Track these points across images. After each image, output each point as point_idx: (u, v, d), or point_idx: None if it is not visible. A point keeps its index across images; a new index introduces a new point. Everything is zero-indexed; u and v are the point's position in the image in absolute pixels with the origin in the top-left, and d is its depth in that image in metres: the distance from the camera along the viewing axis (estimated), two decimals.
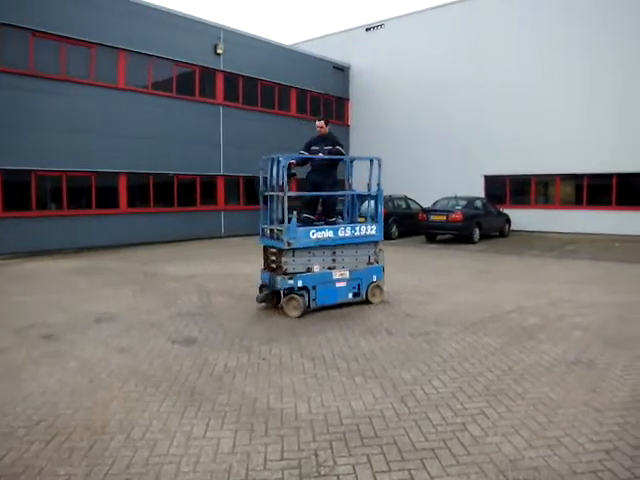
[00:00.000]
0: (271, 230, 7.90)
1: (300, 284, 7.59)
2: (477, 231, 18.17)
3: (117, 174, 17.47)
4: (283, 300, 7.69)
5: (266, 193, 8.22)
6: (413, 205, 20.68)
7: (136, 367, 5.34)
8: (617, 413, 4.17)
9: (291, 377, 5.01)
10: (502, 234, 20.37)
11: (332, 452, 3.56)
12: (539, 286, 9.87)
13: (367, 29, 26.74)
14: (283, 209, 7.61)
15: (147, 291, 9.62)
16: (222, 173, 20.94)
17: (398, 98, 25.11)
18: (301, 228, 7.68)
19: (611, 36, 19.56)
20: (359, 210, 9.01)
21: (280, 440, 3.74)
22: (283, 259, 7.56)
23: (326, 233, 7.87)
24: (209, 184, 20.69)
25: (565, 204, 21.78)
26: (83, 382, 4.93)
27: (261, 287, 8.17)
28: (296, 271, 7.62)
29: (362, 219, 8.79)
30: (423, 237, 19.00)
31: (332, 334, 6.54)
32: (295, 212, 7.74)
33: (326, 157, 8.44)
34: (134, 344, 6.17)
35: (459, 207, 18.31)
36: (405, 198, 20.37)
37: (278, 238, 7.65)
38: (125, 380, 4.97)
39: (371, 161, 8.44)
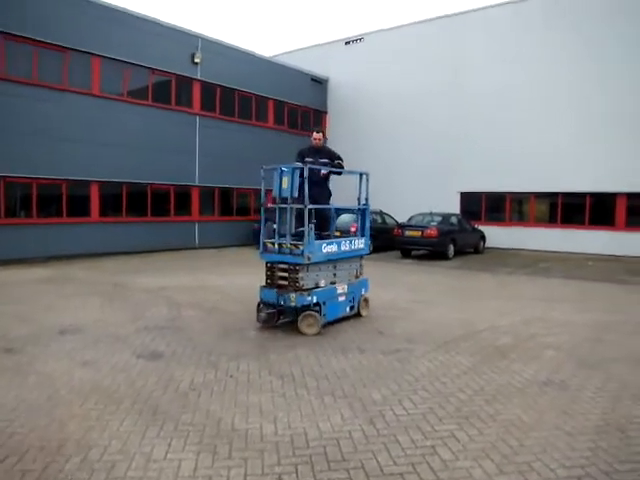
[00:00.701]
0: (280, 245, 7.44)
1: (315, 300, 7.36)
2: (452, 247, 18.22)
3: (89, 182, 17.16)
4: (299, 318, 7.34)
5: (277, 205, 7.56)
6: (389, 220, 20.70)
7: (98, 382, 5.15)
8: (589, 437, 4.11)
9: (258, 396, 4.87)
10: (477, 251, 20.46)
11: (297, 476, 3.42)
12: (512, 304, 9.87)
13: (346, 42, 26.90)
14: (301, 222, 7.34)
15: (116, 302, 9.39)
16: (197, 184, 20.73)
17: (376, 112, 25.21)
18: (316, 242, 7.45)
19: (592, 52, 19.88)
20: (335, 224, 8.92)
21: (244, 463, 3.60)
22: (300, 274, 7.24)
23: (332, 247, 7.74)
24: (184, 194, 20.45)
25: (539, 222, 22.01)
26: (41, 398, 4.73)
27: (260, 305, 7.66)
28: (309, 287, 7.40)
29: (338, 233, 8.73)
30: (398, 252, 18.98)
31: (302, 351, 6.41)
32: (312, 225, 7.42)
33: (335, 169, 8.26)
34: (98, 358, 5.96)
35: (434, 223, 18.35)
36: (381, 213, 20.38)
37: (292, 253, 7.30)
38: (86, 396, 4.78)
39: (360, 175, 8.32)
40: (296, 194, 7.34)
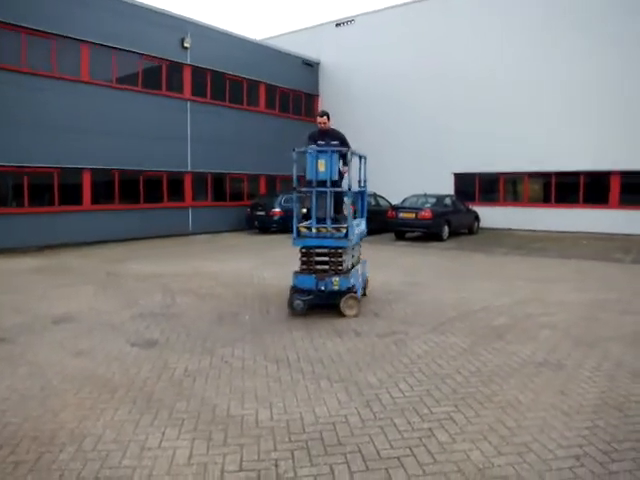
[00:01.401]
0: (318, 229, 7.29)
1: (353, 282, 7.45)
2: (446, 229, 18.18)
3: (81, 170, 16.99)
4: (342, 300, 7.28)
5: (315, 189, 7.32)
6: (382, 202, 20.64)
7: (92, 371, 5.10)
8: (586, 417, 4.10)
9: (253, 381, 4.83)
10: (471, 231, 20.45)
11: (293, 462, 3.39)
12: (507, 284, 9.86)
13: (337, 24, 26.62)
14: (337, 204, 7.50)
15: (109, 290, 9.32)
16: (189, 169, 20.56)
17: (368, 94, 25.04)
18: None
19: (584, 31, 19.75)
20: None
21: (239, 449, 3.56)
22: (344, 257, 7.31)
23: (360, 229, 7.88)
24: (176, 180, 20.30)
25: (533, 202, 22.01)
26: (34, 388, 4.68)
27: (295, 293, 7.41)
28: (349, 269, 7.48)
29: None
30: (392, 234, 18.94)
31: (298, 334, 6.37)
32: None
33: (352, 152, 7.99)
34: (92, 347, 5.91)
35: (428, 205, 18.29)
36: (374, 195, 20.29)
37: (333, 236, 7.24)
38: (80, 386, 4.73)
39: (360, 158, 8.26)
40: (336, 177, 7.30)
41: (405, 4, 24.41)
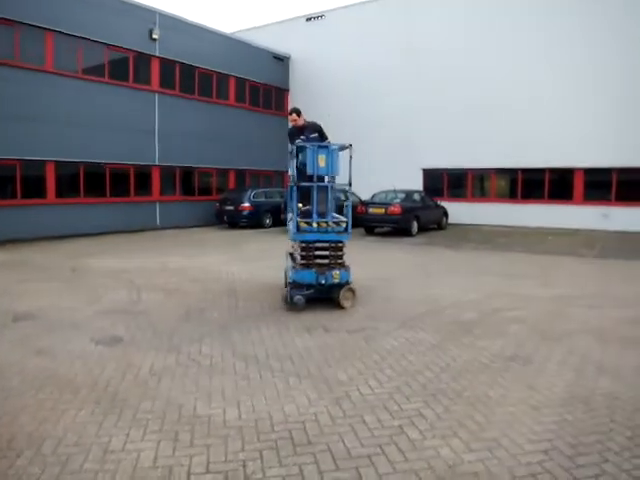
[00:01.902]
0: (319, 224, 7.34)
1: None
2: (415, 224, 18.28)
3: (44, 162, 16.58)
4: (341, 293, 7.40)
5: (315, 183, 7.32)
6: (352, 198, 20.60)
7: (54, 371, 4.94)
8: (554, 410, 4.12)
9: (221, 379, 4.73)
10: (440, 227, 20.61)
11: (262, 463, 3.31)
12: (475, 279, 9.93)
13: (308, 19, 26.51)
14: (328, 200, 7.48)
15: (73, 286, 9.08)
16: (157, 163, 20.26)
17: (338, 90, 25.00)
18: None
19: (553, 26, 20.09)
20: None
21: (206, 450, 3.46)
22: (344, 251, 7.48)
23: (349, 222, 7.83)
24: (144, 174, 19.99)
25: (500, 198, 22.29)
26: None
27: (293, 288, 7.38)
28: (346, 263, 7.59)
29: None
30: (362, 230, 18.95)
31: (266, 331, 6.29)
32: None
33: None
34: (54, 345, 5.73)
35: (398, 200, 18.36)
36: (344, 190, 20.24)
37: (334, 230, 7.38)
38: (40, 386, 4.56)
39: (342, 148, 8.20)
40: (337, 172, 7.38)
41: (374, 0, 24.37)
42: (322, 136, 8.17)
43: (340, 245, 7.43)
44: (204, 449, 3.48)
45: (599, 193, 20.14)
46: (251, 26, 28.56)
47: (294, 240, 7.47)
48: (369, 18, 24.26)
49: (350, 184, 7.62)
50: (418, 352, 5.53)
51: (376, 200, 18.87)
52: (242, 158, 23.71)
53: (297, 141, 7.75)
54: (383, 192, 19.42)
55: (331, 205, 7.60)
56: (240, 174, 24.23)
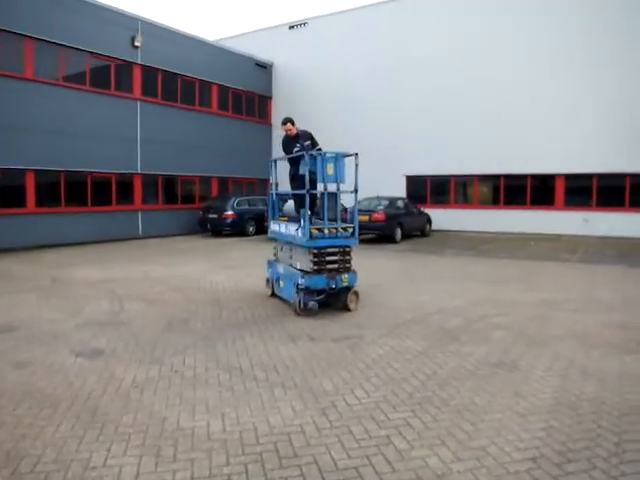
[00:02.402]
0: (329, 230, 7.56)
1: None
2: (399, 231, 18.29)
3: (24, 171, 16.33)
4: (349, 295, 7.72)
5: (325, 191, 7.68)
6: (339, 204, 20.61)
7: (33, 385, 4.81)
8: (541, 417, 4.10)
9: (205, 391, 4.65)
10: (423, 234, 20.64)
11: (247, 477, 3.24)
12: (460, 286, 9.93)
13: (290, 27, 26.53)
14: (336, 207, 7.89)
15: (53, 298, 8.92)
16: (139, 171, 20.08)
17: (321, 97, 25.02)
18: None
19: (534, 34, 20.27)
20: (281, 210, 9.04)
21: (190, 465, 3.38)
22: (351, 255, 7.81)
23: None
24: (126, 183, 19.79)
25: (483, 204, 22.41)
26: None
27: (306, 294, 7.49)
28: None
29: (284, 219, 8.63)
30: None
31: (251, 340, 6.21)
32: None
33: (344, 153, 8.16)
34: (33, 358, 5.59)
35: (381, 207, 18.36)
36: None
37: (343, 236, 7.69)
38: (18, 401, 4.44)
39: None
40: (345, 180, 7.73)
41: (357, 8, 24.52)
42: (313, 144, 8.34)
43: (348, 250, 7.75)
44: (188, 464, 3.40)
45: (580, 199, 20.34)
46: (234, 34, 28.55)
47: (308, 246, 7.49)
48: (351, 26, 24.35)
49: (356, 190, 7.92)
50: (404, 360, 5.49)
51: (360, 207, 18.75)
52: (225, 166, 23.60)
53: (295, 149, 8.08)
54: (367, 199, 19.40)
55: (339, 212, 7.88)
56: (223, 182, 24.12)
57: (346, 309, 7.67)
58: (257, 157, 25.04)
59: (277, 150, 24.28)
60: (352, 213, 8.15)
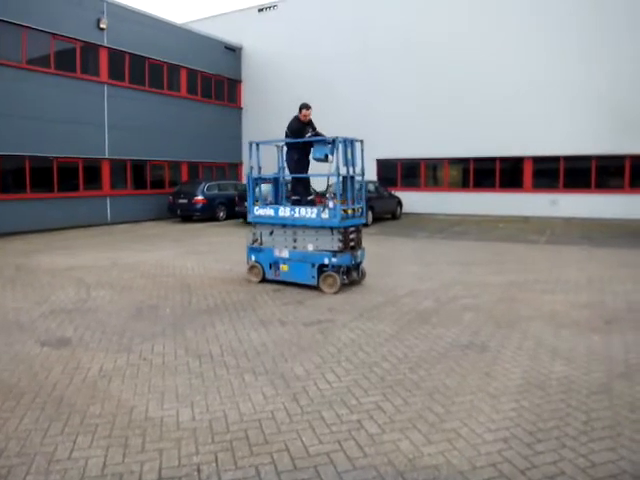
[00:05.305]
0: (354, 210, 8.25)
1: None
2: (370, 214, 18.25)
3: None
4: (360, 270, 8.46)
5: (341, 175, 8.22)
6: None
7: None
8: (511, 397, 4.13)
9: (174, 379, 4.57)
10: (394, 216, 20.71)
11: (217, 466, 3.19)
12: (431, 268, 9.98)
13: (260, 10, 26.14)
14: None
15: (18, 286, 8.69)
16: (107, 156, 19.65)
17: (291, 80, 24.73)
18: None
19: (499, 18, 20.33)
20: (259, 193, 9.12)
21: (158, 455, 3.31)
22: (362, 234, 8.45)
23: None
24: (93, 168, 19.35)
25: (453, 187, 22.55)
26: None
27: (340, 271, 7.96)
28: None
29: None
30: None
31: (221, 327, 6.14)
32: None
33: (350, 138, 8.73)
34: None
35: None
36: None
37: (359, 216, 8.43)
38: None
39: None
40: (357, 164, 8.39)
41: None
42: (314, 130, 8.98)
43: (361, 228, 8.45)
44: (156, 454, 3.34)
45: (547, 181, 20.59)
46: (202, 16, 28.02)
47: (340, 227, 7.85)
48: (322, 9, 24.07)
49: (363, 174, 8.63)
50: (376, 343, 5.49)
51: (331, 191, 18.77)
52: (195, 150, 23.28)
53: (307, 135, 8.73)
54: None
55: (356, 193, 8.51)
56: (193, 167, 23.80)
57: (357, 283, 8.35)
58: (227, 141, 24.76)
59: (248, 134, 24.12)
60: (360, 193, 8.66)
